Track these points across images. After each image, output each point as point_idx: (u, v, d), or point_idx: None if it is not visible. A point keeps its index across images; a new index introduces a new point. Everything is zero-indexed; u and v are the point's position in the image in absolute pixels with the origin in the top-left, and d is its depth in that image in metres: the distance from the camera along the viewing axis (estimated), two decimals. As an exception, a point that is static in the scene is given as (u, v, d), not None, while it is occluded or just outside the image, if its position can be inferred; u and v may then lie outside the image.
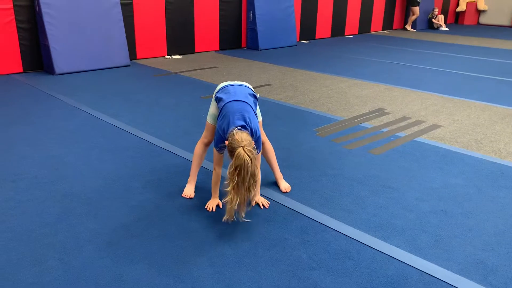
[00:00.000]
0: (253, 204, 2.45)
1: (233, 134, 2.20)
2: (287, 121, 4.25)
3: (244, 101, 2.38)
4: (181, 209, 2.59)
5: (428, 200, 2.76)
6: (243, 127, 2.26)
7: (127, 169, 3.12)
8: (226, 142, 2.23)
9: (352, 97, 5.13)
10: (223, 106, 2.38)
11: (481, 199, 2.79)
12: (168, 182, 2.92)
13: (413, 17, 12.02)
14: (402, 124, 4.21)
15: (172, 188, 2.83)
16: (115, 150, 3.44)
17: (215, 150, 2.42)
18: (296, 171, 3.12)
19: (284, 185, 2.83)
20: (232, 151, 2.18)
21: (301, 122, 4.24)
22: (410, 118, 4.39)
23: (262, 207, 2.59)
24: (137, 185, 2.87)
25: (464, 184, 3.00)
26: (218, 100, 2.45)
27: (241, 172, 2.12)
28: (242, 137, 2.18)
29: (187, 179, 2.81)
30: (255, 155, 2.20)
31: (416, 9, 11.90)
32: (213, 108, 2.54)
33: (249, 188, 2.18)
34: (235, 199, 2.17)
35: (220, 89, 2.51)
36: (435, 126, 4.15)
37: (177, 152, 3.41)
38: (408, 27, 12.16)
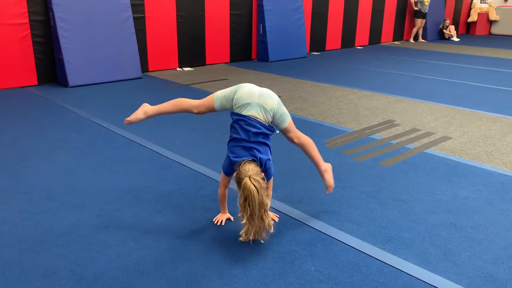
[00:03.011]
0: (271, 232, 2.35)
1: (241, 165, 2.24)
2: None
3: (253, 146, 2.33)
4: (191, 221, 2.62)
5: (437, 213, 2.75)
6: (252, 160, 2.29)
7: (138, 181, 3.16)
8: (235, 174, 2.27)
9: (362, 109, 5.14)
10: (233, 140, 2.38)
11: (491, 212, 2.78)
12: (178, 194, 2.96)
13: (415, 29, 11.98)
14: (412, 135, 4.20)
15: (182, 201, 2.86)
16: (127, 162, 3.50)
17: (223, 173, 2.45)
18: (305, 183, 3.14)
19: (328, 182, 2.68)
20: (239, 182, 2.21)
21: (311, 134, 4.19)
22: (420, 129, 4.38)
23: (271, 231, 2.59)
24: (148, 197, 2.91)
25: (474, 196, 2.98)
26: (232, 114, 2.42)
27: (250, 203, 2.14)
28: (249, 167, 2.21)
29: (197, 191, 2.83)
30: (263, 185, 2.20)
31: (418, 21, 11.85)
32: (224, 101, 2.43)
33: (261, 217, 2.20)
34: (250, 229, 2.21)
35: (240, 106, 2.38)
36: (445, 138, 4.14)
37: (188, 164, 3.45)
38: (410, 39, 12.09)
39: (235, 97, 2.40)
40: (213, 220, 2.61)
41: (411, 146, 3.92)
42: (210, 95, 2.53)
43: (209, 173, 3.27)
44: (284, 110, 2.48)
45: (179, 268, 2.17)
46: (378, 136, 4.18)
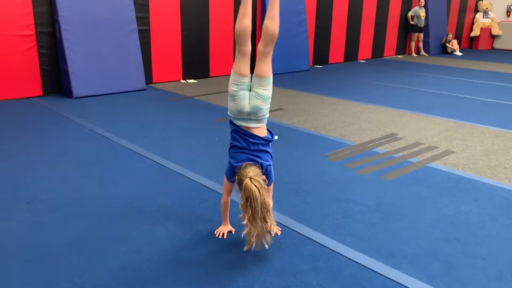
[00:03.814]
0: (273, 234, 2.42)
1: (242, 167, 2.26)
2: (299, 146, 4.28)
3: (254, 154, 2.36)
4: (192, 233, 2.61)
5: (441, 228, 2.74)
6: (253, 163, 2.31)
7: (140, 192, 3.17)
8: (237, 177, 2.29)
9: (364, 122, 5.15)
10: (234, 147, 2.40)
11: (495, 227, 2.76)
12: (180, 206, 2.96)
13: (413, 43, 12.11)
14: (414, 149, 4.20)
15: (184, 213, 2.86)
16: (130, 173, 3.50)
17: (225, 179, 2.46)
18: (307, 196, 3.13)
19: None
20: (240, 183, 2.23)
21: (313, 147, 4.26)
22: (423, 143, 4.38)
23: (273, 234, 2.59)
24: (150, 209, 2.91)
25: (477, 211, 2.97)
26: (230, 124, 2.45)
27: (252, 203, 2.15)
28: (250, 169, 2.24)
29: (199, 203, 2.83)
30: (263, 185, 2.22)
31: (414, 35, 11.97)
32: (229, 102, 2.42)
33: (264, 218, 2.20)
34: (253, 231, 2.20)
35: (235, 118, 2.40)
36: (448, 152, 4.14)
37: (190, 176, 3.46)
38: (413, 53, 12.20)
39: (229, 107, 2.41)
40: (215, 232, 2.60)
41: (414, 160, 3.92)
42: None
43: (212, 185, 3.27)
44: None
45: (180, 281, 2.16)
46: (380, 149, 4.18)
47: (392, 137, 4.57)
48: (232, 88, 2.36)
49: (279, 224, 2.70)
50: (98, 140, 4.30)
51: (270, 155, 2.44)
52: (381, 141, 4.45)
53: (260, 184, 2.19)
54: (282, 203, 2.97)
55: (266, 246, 2.30)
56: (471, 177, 3.55)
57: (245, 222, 2.21)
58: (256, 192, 2.15)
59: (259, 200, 2.15)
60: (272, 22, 2.29)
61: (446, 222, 2.81)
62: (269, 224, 2.23)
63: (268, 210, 2.21)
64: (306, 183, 3.36)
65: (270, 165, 2.42)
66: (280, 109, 5.71)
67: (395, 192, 3.24)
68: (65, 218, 2.77)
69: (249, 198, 2.15)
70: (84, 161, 3.75)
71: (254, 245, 2.26)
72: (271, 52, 2.35)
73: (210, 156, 3.94)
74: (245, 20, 2.29)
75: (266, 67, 2.34)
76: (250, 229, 2.20)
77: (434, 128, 4.97)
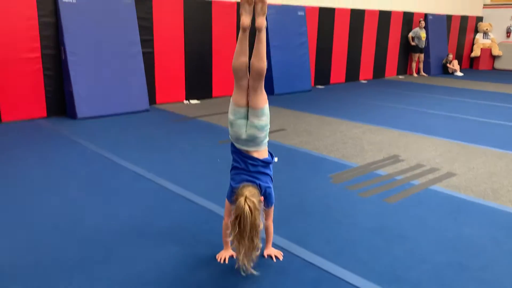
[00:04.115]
0: (266, 256, 2.44)
1: (240, 188, 2.28)
2: (301, 167, 4.29)
3: (253, 176, 2.39)
4: (193, 257, 2.60)
5: (444, 251, 2.72)
6: (251, 184, 2.34)
7: (142, 215, 3.17)
8: (234, 196, 2.30)
9: (366, 143, 5.16)
10: (234, 169, 2.44)
11: (498, 252, 2.74)
12: (181, 228, 2.95)
13: (413, 63, 12.24)
14: (416, 171, 4.20)
15: (185, 235, 2.86)
16: (131, 195, 3.51)
17: (226, 201, 2.48)
18: (309, 219, 3.13)
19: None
20: (235, 202, 2.25)
21: (315, 168, 4.27)
22: (425, 165, 4.39)
23: (274, 260, 2.58)
24: (151, 231, 2.91)
25: (480, 235, 2.95)
26: (231, 145, 2.49)
27: (241, 222, 2.16)
28: (247, 189, 2.26)
29: (200, 226, 2.83)
30: (257, 206, 2.22)
31: (415, 55, 12.10)
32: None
33: (252, 238, 2.20)
34: (240, 249, 2.21)
35: (235, 143, 2.46)
36: (450, 174, 4.14)
37: (192, 198, 3.46)
38: (414, 74, 12.31)
39: (229, 132, 2.47)
40: (216, 256, 2.59)
41: (416, 182, 3.92)
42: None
43: (214, 207, 3.28)
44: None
45: (183, 306, 2.15)
46: (383, 171, 4.19)
47: (394, 159, 4.58)
48: (230, 116, 2.43)
49: (281, 248, 2.70)
50: (101, 162, 4.32)
51: (270, 178, 2.46)
52: (383, 162, 4.46)
53: (254, 204, 2.20)
54: (284, 226, 2.96)
55: (248, 273, 2.27)
56: (474, 200, 3.54)
57: (231, 238, 2.23)
58: (247, 212, 2.15)
59: (248, 220, 2.16)
60: (259, 60, 2.32)
61: (449, 245, 2.80)
62: (255, 244, 2.22)
63: (257, 232, 2.21)
64: (309, 205, 3.36)
65: (269, 187, 2.43)
66: (282, 129, 5.74)
67: (398, 215, 3.24)
68: (65, 240, 2.77)
69: (239, 216, 2.17)
70: (87, 183, 3.76)
71: (241, 264, 2.25)
72: (262, 85, 2.39)
73: (212, 177, 3.95)
74: (242, 58, 2.35)
75: (258, 99, 2.38)
76: (237, 246, 2.22)
77: (435, 149, 4.98)
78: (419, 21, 11.78)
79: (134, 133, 5.47)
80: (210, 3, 7.63)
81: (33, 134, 5.35)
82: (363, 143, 5.19)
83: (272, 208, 2.51)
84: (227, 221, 2.52)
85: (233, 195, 2.37)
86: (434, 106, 7.68)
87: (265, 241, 2.58)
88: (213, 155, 4.57)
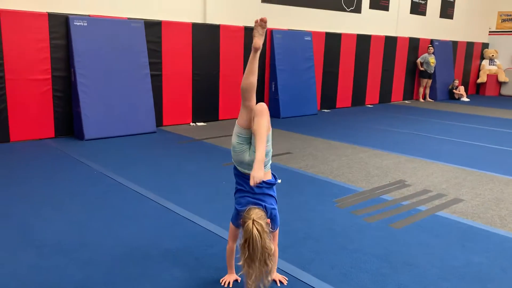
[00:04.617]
0: (271, 280, 2.41)
1: (246, 210, 2.28)
2: (306, 191, 4.27)
3: (259, 198, 2.39)
4: (197, 280, 2.58)
5: (450, 279, 2.68)
6: (257, 206, 2.33)
7: (147, 236, 3.16)
8: (241, 220, 2.30)
9: (372, 168, 5.15)
10: (239, 191, 2.45)
11: (506, 280, 2.70)
12: (186, 251, 2.94)
13: (421, 89, 12.27)
14: (422, 197, 4.17)
15: (189, 259, 2.84)
16: (137, 217, 3.51)
17: (231, 225, 2.47)
18: (315, 244, 3.10)
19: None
20: (242, 225, 2.24)
21: (321, 192, 4.25)
22: (431, 191, 4.36)
23: (279, 284, 2.56)
24: (156, 253, 2.89)
25: (488, 263, 2.91)
26: (234, 169, 2.50)
27: (251, 245, 2.14)
28: (254, 212, 2.25)
29: (205, 249, 2.82)
30: (266, 229, 2.21)
31: (424, 81, 12.15)
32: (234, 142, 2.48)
33: (265, 261, 2.18)
34: (250, 273, 2.18)
35: (237, 166, 2.48)
36: (456, 200, 4.10)
37: (197, 220, 3.46)
38: (420, 99, 12.34)
39: (232, 156, 2.48)
40: (220, 281, 2.57)
41: (422, 208, 3.88)
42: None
43: (218, 230, 3.26)
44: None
45: (185, 331, 2.12)
46: (389, 196, 4.16)
47: (400, 184, 4.56)
48: (234, 139, 2.45)
49: (285, 273, 2.67)
50: (107, 183, 4.34)
51: (274, 199, 2.46)
52: (389, 187, 4.43)
53: (262, 227, 2.19)
54: (289, 251, 2.94)
55: None
56: (481, 227, 3.50)
57: (241, 263, 2.20)
58: (256, 235, 2.14)
59: (258, 244, 2.14)
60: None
61: (456, 274, 2.76)
62: (269, 267, 2.20)
63: (269, 255, 2.19)
64: (314, 230, 3.33)
65: (274, 209, 2.42)
66: (288, 153, 5.75)
67: (404, 241, 3.20)
68: (70, 262, 2.76)
69: (248, 240, 2.15)
70: (92, 204, 3.77)
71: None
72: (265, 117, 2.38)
73: (217, 201, 3.94)
74: (251, 78, 2.41)
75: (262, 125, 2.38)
76: (247, 270, 2.18)
77: (442, 175, 4.95)
78: (428, 47, 11.87)
79: (140, 154, 5.50)
80: (218, 27, 7.76)
81: (40, 154, 5.39)
82: (369, 167, 5.17)
83: (277, 231, 2.50)
84: (232, 245, 2.51)
85: (238, 218, 2.36)
86: (440, 131, 7.67)
87: None
88: (218, 178, 4.57)
